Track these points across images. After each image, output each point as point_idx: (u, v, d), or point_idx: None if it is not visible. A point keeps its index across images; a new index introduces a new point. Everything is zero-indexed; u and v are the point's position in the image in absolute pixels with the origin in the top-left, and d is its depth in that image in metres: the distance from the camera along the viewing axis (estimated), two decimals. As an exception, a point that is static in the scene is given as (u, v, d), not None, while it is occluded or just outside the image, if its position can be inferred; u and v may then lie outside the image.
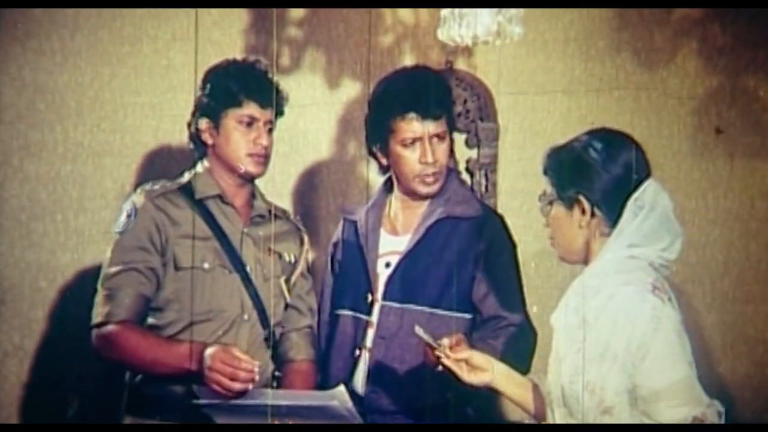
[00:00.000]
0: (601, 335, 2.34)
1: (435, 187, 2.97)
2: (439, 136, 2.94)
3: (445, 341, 2.52)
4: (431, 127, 2.93)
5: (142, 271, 2.88)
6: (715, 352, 3.53)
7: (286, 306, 3.03)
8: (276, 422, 2.69)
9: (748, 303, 3.54)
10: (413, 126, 2.92)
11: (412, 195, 3.01)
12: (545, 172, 2.50)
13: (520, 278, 3.00)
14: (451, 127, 3.02)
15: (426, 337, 2.53)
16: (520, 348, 2.87)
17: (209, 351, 2.73)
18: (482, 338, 2.88)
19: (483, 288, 2.94)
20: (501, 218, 3.05)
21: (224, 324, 2.90)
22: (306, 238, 3.11)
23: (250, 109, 2.94)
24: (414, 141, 2.93)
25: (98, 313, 2.88)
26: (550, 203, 2.49)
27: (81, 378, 3.47)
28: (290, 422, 2.71)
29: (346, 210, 3.15)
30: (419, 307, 2.93)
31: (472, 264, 2.95)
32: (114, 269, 2.89)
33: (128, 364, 2.91)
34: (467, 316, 2.95)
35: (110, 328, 2.86)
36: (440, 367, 2.55)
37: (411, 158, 2.94)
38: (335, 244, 3.12)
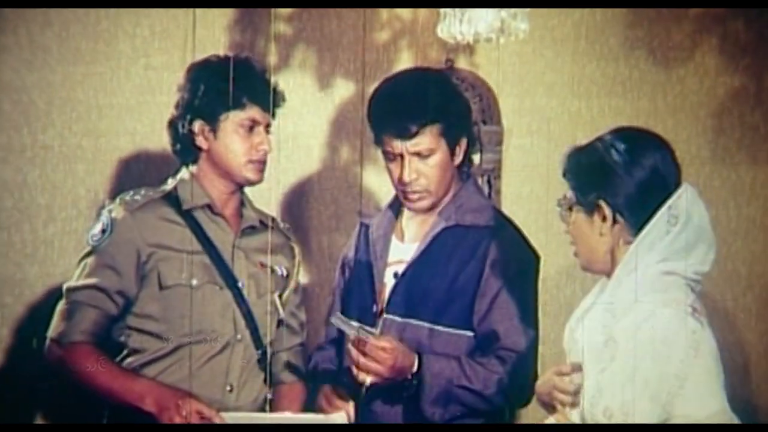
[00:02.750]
0: (629, 358, 2.24)
1: (420, 205, 2.87)
2: (420, 154, 2.82)
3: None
4: (408, 144, 2.82)
5: (109, 293, 2.80)
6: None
7: (278, 323, 2.94)
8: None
9: (773, 320, 3.51)
10: (393, 143, 2.83)
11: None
12: (564, 175, 2.44)
13: (533, 298, 2.86)
14: (452, 133, 2.86)
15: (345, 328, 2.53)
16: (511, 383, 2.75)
17: (192, 403, 2.68)
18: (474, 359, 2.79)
19: (484, 304, 2.81)
20: (517, 229, 2.93)
21: (216, 345, 2.82)
22: (297, 250, 3.03)
23: (253, 112, 2.85)
24: (395, 157, 2.85)
25: (54, 327, 2.82)
26: (570, 208, 2.41)
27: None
28: None
29: (363, 213, 3.08)
30: (419, 322, 2.84)
31: (478, 277, 2.83)
32: (79, 283, 2.82)
33: (82, 386, 2.81)
34: (469, 333, 2.83)
35: (65, 348, 2.78)
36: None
37: (394, 173, 2.87)
38: (348, 249, 3.04)
